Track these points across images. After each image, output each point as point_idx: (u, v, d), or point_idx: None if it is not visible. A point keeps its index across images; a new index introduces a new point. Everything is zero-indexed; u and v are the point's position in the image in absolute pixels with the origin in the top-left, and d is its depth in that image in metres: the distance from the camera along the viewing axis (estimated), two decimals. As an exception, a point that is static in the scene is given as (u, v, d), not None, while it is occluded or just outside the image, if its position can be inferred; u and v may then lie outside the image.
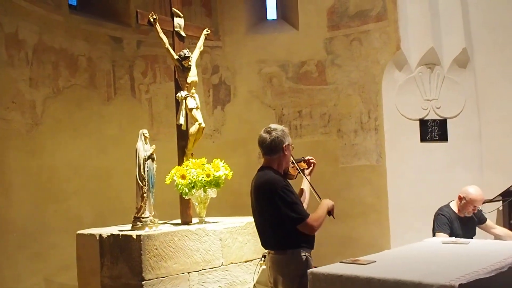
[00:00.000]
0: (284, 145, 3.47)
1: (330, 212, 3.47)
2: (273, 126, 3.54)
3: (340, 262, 3.28)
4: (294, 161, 3.72)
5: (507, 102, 6.82)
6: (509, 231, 5.29)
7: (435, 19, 6.92)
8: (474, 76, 7.05)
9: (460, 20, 6.93)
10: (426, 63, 6.99)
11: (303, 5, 7.76)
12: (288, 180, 3.58)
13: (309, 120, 7.68)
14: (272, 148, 3.47)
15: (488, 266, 2.93)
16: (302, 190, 3.83)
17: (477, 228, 5.17)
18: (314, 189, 3.67)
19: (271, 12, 8.35)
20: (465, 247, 3.85)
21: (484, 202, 5.69)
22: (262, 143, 3.50)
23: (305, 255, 3.41)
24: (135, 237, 4.21)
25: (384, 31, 7.14)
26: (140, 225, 4.57)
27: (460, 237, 4.78)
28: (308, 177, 3.84)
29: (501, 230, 5.20)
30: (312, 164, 3.89)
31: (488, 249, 3.71)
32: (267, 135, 3.48)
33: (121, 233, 4.39)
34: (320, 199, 3.57)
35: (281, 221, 3.34)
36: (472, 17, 7.04)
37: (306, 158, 3.90)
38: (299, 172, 3.78)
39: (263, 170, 3.52)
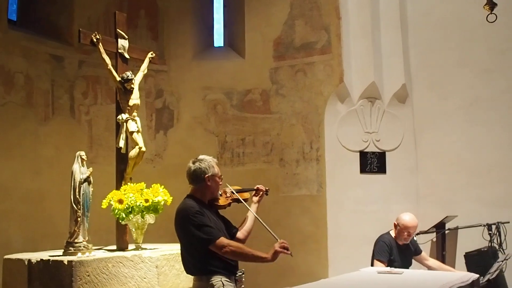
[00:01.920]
0: (206, 176, 3.56)
1: (285, 251, 3.38)
2: (201, 156, 3.67)
3: (278, 292, 3.24)
4: (233, 191, 3.80)
5: (442, 138, 7.09)
6: (441, 264, 5.48)
7: (377, 55, 7.17)
8: (412, 111, 7.30)
9: (401, 58, 7.20)
10: (368, 97, 7.19)
11: (250, 34, 7.85)
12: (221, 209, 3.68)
13: (252, 148, 7.69)
14: (193, 178, 3.60)
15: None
16: (245, 218, 3.88)
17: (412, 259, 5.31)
18: (261, 222, 3.66)
19: (218, 39, 8.39)
20: (399, 277, 3.92)
21: (418, 233, 5.87)
22: (187, 172, 3.64)
23: (220, 281, 3.43)
24: (66, 262, 4.03)
25: (328, 64, 7.30)
26: (73, 251, 4.39)
27: (398, 265, 4.89)
28: (255, 205, 3.89)
29: (433, 262, 5.37)
30: (260, 192, 3.93)
31: (421, 279, 3.80)
32: (191, 165, 3.62)
33: (51, 258, 4.18)
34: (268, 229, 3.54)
35: (194, 245, 3.43)
36: (412, 56, 7.35)
37: (256, 187, 3.94)
38: (235, 202, 3.80)
39: (185, 199, 3.61)
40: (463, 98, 7.00)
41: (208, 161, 3.61)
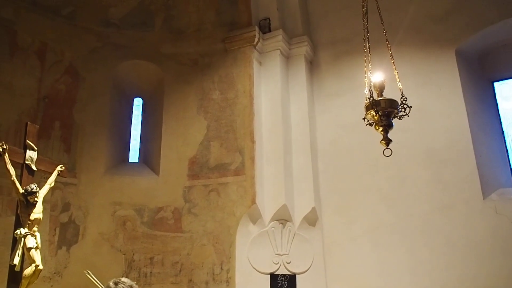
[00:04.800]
0: None
1: None
2: (124, 279, 3.45)
3: None
4: None
5: (350, 261, 7.24)
6: None
7: (289, 178, 7.43)
8: (322, 234, 7.47)
9: (311, 182, 7.51)
10: (279, 219, 7.31)
11: (166, 152, 7.93)
12: None
13: (160, 267, 7.40)
14: None
15: None
16: None
17: None
18: None
19: (134, 155, 8.38)
20: None
21: None
22: None
23: None
24: None
25: (241, 185, 7.44)
26: None
27: None
28: None
29: None
30: None
31: None
32: (111, 284, 3.37)
33: None
34: None
35: None
36: (321, 180, 7.70)
37: None
38: None
39: None
40: (369, 222, 7.29)
41: (131, 286, 3.38)
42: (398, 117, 4.50)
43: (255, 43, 7.93)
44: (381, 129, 4.23)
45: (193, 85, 8.14)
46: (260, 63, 8.08)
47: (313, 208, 7.42)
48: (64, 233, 7.31)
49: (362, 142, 7.50)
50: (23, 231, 4.77)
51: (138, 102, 8.65)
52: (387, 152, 4.26)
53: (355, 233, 7.34)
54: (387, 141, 4.27)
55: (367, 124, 4.34)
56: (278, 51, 8.04)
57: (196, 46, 8.31)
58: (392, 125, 4.25)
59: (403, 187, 7.26)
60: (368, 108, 4.48)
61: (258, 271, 7.09)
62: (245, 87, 7.80)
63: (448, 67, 7.35)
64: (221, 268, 7.24)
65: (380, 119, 4.18)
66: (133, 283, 3.46)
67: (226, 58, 8.10)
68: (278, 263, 7.17)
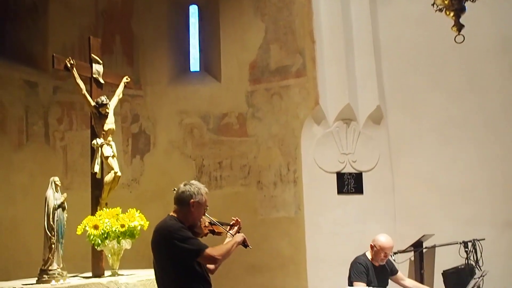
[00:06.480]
0: (191, 201, 3.51)
1: (245, 245, 3.53)
2: (193, 182, 3.64)
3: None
4: (212, 221, 3.77)
5: (417, 158, 7.19)
6: (417, 283, 5.49)
7: (351, 78, 7.27)
8: (387, 132, 7.40)
9: (375, 80, 7.31)
10: (343, 119, 7.26)
11: (226, 59, 7.92)
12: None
13: (229, 171, 7.68)
14: (179, 200, 3.55)
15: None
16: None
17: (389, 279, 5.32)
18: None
19: (194, 64, 8.42)
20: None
21: (396, 253, 5.87)
22: (175, 193, 3.59)
23: None
24: (39, 291, 3.94)
25: (304, 87, 7.38)
26: (47, 278, 4.29)
27: (374, 285, 4.87)
28: (230, 237, 3.83)
29: (409, 282, 5.39)
30: (237, 226, 3.93)
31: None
32: (181, 186, 3.58)
33: (24, 287, 4.08)
34: None
35: (175, 262, 3.37)
36: (386, 78, 7.47)
37: (232, 223, 3.93)
38: (211, 233, 3.79)
39: (166, 218, 3.56)
40: (436, 119, 7.13)
41: (198, 187, 3.57)
42: (471, -1, 4.17)
43: None
44: (452, 13, 3.94)
45: (248, -13, 7.90)
46: (316, -43, 7.66)
47: (378, 106, 7.29)
48: (137, 143, 7.68)
49: (429, 36, 7.12)
50: (99, 141, 5.01)
51: (193, 10, 8.54)
52: (459, 38, 4.00)
53: (422, 130, 7.22)
54: (459, 27, 3.99)
55: (436, 10, 4.05)
56: None
57: None
58: (465, 8, 3.95)
59: (473, 80, 6.98)
60: (437, -9, 4.17)
61: (324, 171, 7.19)
62: (302, -15, 7.49)
63: None
64: (288, 169, 7.42)
65: (451, 3, 3.89)
66: (203, 187, 3.63)
67: (280, -44, 7.73)
68: (344, 162, 7.23)
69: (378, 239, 5.07)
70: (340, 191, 7.15)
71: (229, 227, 3.90)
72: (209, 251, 3.38)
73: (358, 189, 7.19)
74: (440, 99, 7.12)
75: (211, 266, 3.63)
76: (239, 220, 3.92)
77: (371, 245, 5.10)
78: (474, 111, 6.93)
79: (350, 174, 7.21)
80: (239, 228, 3.91)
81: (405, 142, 7.30)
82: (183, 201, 3.53)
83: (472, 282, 5.12)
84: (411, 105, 7.32)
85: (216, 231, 3.82)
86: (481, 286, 5.60)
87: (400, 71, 7.43)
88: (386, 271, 5.22)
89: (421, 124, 7.22)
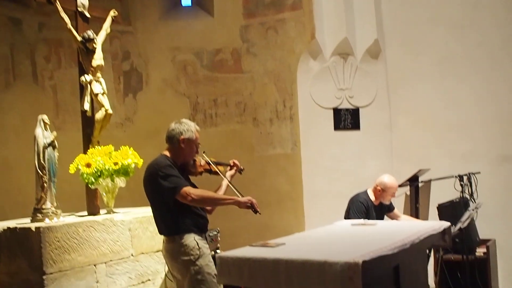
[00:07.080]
0: (181, 137, 3.53)
1: (254, 210, 3.52)
2: (184, 120, 3.66)
3: (249, 246, 3.23)
4: (209, 161, 3.76)
5: (415, 94, 7.05)
6: (412, 218, 5.64)
7: (349, 10, 7.00)
8: (386, 67, 7.22)
9: (373, 13, 7.05)
10: (340, 53, 7.06)
11: (219, -8, 7.62)
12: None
13: (225, 108, 7.57)
14: (170, 138, 3.59)
15: (391, 244, 3.01)
16: (219, 186, 3.89)
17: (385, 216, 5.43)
18: (236, 190, 3.65)
19: (186, -2, 8.13)
20: (373, 228, 3.94)
21: (394, 188, 5.89)
22: (167, 131, 3.63)
23: (194, 239, 3.44)
24: (34, 229, 3.94)
25: (299, 21, 7.14)
26: (41, 217, 4.28)
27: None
28: (229, 178, 3.86)
29: (405, 218, 5.59)
30: (235, 168, 3.91)
31: (395, 229, 3.83)
32: (172, 124, 3.62)
33: (18, 226, 4.08)
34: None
35: (162, 201, 3.41)
36: (384, 11, 7.20)
37: (231, 163, 3.90)
38: (208, 172, 3.76)
39: (158, 156, 3.59)
40: (436, 54, 6.95)
41: (188, 125, 3.60)
42: None
43: None
44: None
45: None
46: None
47: (376, 40, 7.06)
48: (129, 81, 7.50)
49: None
50: (87, 77, 4.87)
51: None
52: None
53: (421, 65, 7.04)
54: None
55: None
56: None
57: None
58: None
59: (475, 13, 6.73)
60: None
61: (321, 107, 7.07)
62: None
63: None
64: (284, 106, 7.31)
65: None
66: (193, 124, 3.65)
67: None
68: (340, 97, 7.10)
69: (385, 181, 5.17)
70: (337, 127, 7.06)
71: (228, 167, 3.89)
72: (187, 189, 3.36)
73: (355, 125, 7.10)
74: (440, 32, 6.91)
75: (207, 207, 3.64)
76: (237, 163, 3.90)
77: (377, 188, 5.16)
78: (475, 45, 6.75)
79: (347, 109, 7.10)
80: (237, 170, 3.90)
81: (403, 77, 7.15)
82: (173, 139, 3.56)
83: (467, 214, 5.18)
84: (410, 39, 7.11)
85: (213, 170, 3.80)
86: (475, 218, 5.71)
87: (399, 4, 7.16)
88: (384, 209, 5.34)
89: (420, 58, 7.04)
